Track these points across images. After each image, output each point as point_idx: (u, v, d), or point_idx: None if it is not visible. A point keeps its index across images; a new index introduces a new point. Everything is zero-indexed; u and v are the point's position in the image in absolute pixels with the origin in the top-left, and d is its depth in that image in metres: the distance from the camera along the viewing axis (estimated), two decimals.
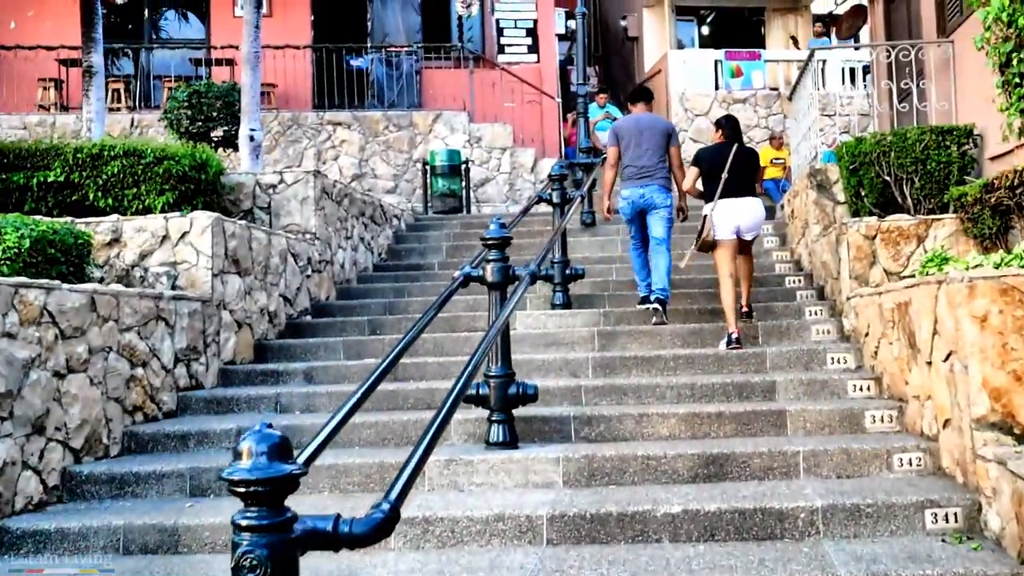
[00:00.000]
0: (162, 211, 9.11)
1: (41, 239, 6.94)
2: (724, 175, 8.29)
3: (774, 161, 16.38)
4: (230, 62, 17.24)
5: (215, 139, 12.28)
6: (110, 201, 9.21)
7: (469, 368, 4.43)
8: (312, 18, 18.42)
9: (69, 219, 8.20)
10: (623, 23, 20.14)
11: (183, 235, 8.01)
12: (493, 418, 6.26)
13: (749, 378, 7.13)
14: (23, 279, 5.94)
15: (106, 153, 9.23)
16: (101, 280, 8.00)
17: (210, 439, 6.74)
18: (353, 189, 11.60)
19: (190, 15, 18.83)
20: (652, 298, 8.74)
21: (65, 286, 6.25)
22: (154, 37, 18.57)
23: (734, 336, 7.93)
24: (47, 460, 5.97)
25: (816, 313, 8.73)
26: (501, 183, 16.79)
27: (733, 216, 8.29)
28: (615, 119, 17.69)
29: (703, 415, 6.42)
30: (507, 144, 16.93)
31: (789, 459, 5.76)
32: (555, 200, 9.66)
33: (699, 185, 8.64)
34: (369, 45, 18.14)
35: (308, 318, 9.81)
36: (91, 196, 9.21)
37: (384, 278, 11.42)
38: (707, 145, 9.12)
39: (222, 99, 12.24)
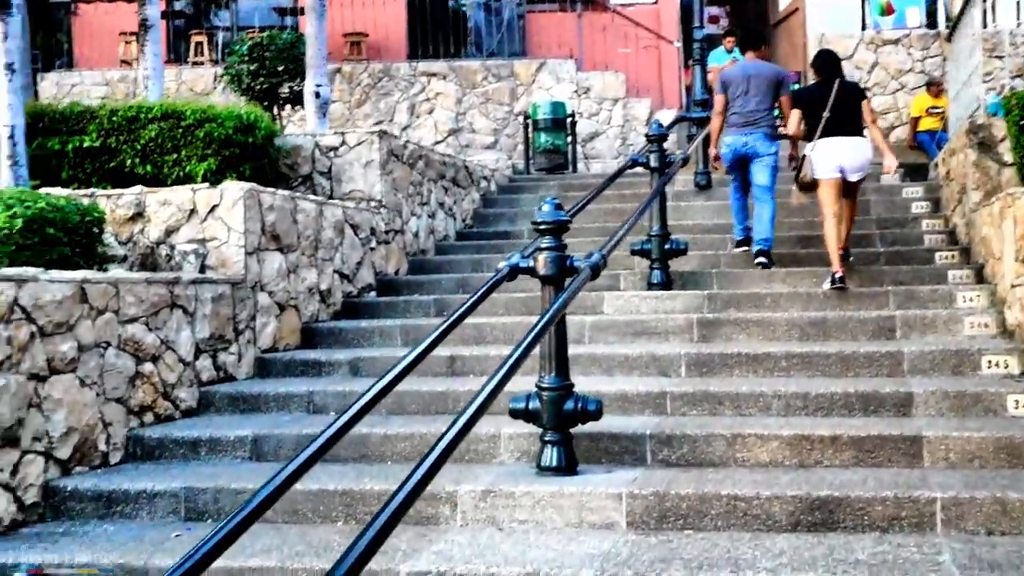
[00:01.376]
0: (203, 179, 8.13)
1: (37, 217, 5.97)
2: (825, 113, 7.85)
3: (931, 111, 14.53)
4: None
5: (282, 96, 11.20)
6: (149, 168, 8.28)
7: (480, 399, 3.29)
8: None
9: (90, 191, 7.26)
10: None
11: (212, 209, 6.96)
12: (546, 438, 5.03)
13: (879, 386, 5.72)
14: None
15: (143, 116, 8.28)
16: (124, 259, 7.03)
17: (222, 447, 5.73)
18: (430, 149, 10.43)
19: None
20: (754, 249, 8.55)
21: (45, 276, 5.26)
22: None
23: (838, 276, 7.49)
24: (23, 475, 5.05)
25: (971, 300, 7.16)
26: (612, 137, 15.40)
27: (834, 155, 7.80)
28: None
29: (814, 439, 5.07)
30: (619, 94, 15.50)
31: (922, 507, 4.39)
32: (652, 164, 8.30)
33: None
34: None
35: (371, 296, 8.72)
36: (128, 162, 8.28)
37: (465, 248, 10.25)
38: (805, 85, 8.59)
39: (287, 52, 11.10)
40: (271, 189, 7.37)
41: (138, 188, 7.14)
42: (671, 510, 4.58)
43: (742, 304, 7.59)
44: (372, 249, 8.81)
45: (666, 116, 13.81)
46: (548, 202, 5.23)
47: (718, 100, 9.10)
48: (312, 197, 7.94)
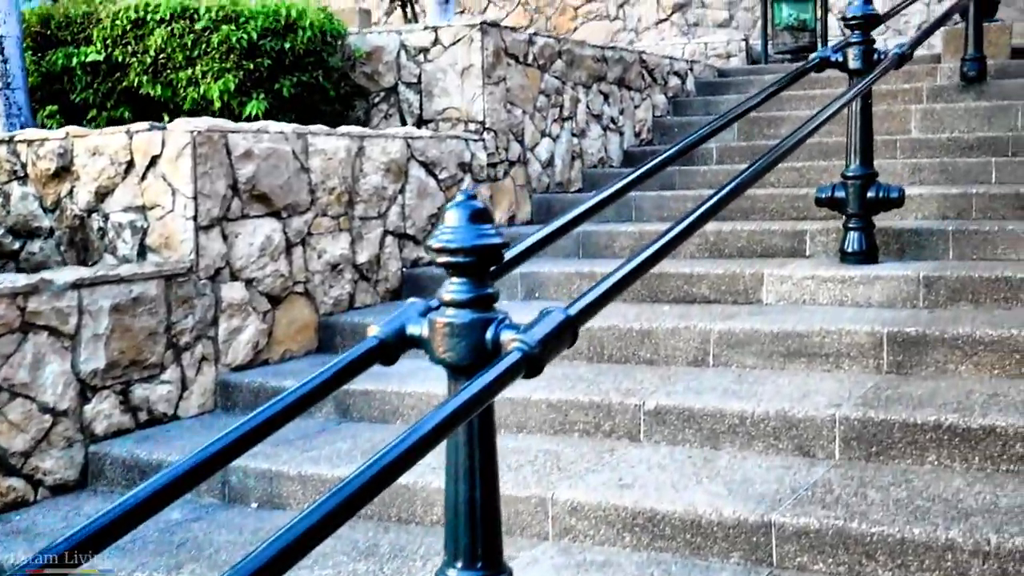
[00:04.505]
0: (221, 102, 5.99)
1: None
2: None
3: None
4: None
5: None
6: (159, 89, 6.21)
7: None
8: None
9: (9, 135, 5.26)
10: None
11: (153, 161, 4.78)
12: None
13: None
14: None
15: (149, 18, 6.17)
16: (51, 233, 5.02)
17: None
18: (577, 42, 7.72)
19: None
20: None
21: None
22: None
23: None
24: None
25: None
26: (878, 7, 11.94)
27: None
28: None
29: None
30: None
31: None
32: (851, 63, 5.34)
33: None
34: None
35: None
36: (135, 81, 6.24)
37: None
38: None
39: None
40: (256, 125, 5.08)
41: (64, 131, 5.05)
42: None
43: (982, 296, 4.69)
44: None
45: None
46: None
47: None
48: (344, 129, 5.59)
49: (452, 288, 2.51)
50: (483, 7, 13.29)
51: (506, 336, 2.41)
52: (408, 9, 8.74)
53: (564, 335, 2.41)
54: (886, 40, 11.32)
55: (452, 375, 2.52)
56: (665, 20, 12.65)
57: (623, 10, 12.79)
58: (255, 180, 4.95)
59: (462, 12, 13.33)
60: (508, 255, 3.04)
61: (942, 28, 7.85)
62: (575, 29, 12.95)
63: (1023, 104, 7.26)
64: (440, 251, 2.50)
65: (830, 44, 6.36)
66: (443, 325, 2.48)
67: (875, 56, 5.28)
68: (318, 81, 6.33)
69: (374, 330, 2.57)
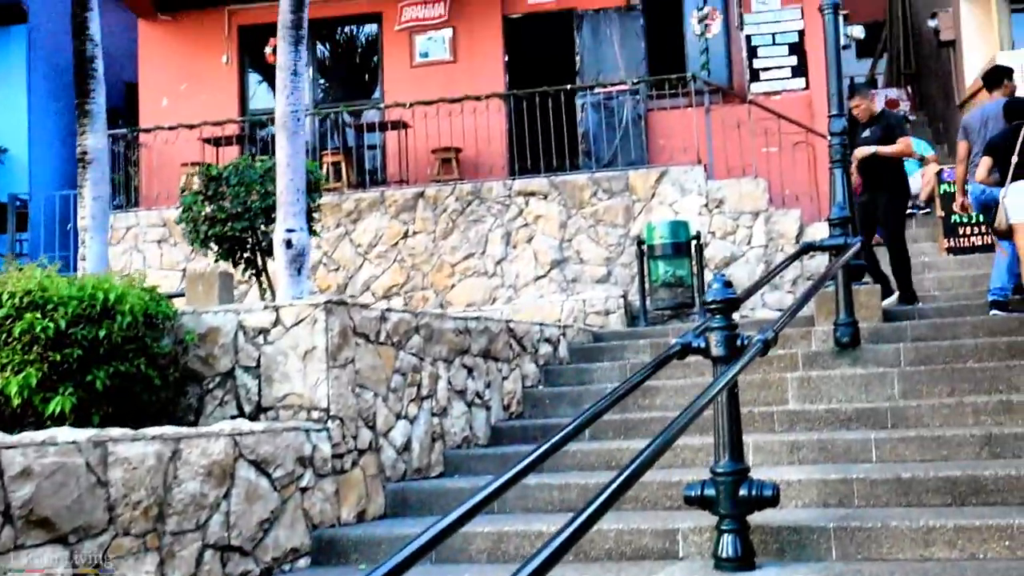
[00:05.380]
0: (22, 398, 5.33)
1: None
2: (1014, 158, 7.79)
3: None
4: (398, 125, 13.60)
5: (261, 246, 8.27)
6: None
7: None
8: (506, 59, 14.47)
9: None
10: (932, 23, 14.56)
11: None
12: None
13: None
14: None
15: None
16: None
17: None
18: (438, 315, 7.29)
19: (357, 65, 15.53)
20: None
21: None
22: (320, 97, 15.27)
23: None
24: None
25: None
26: (753, 262, 11.90)
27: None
28: (923, 159, 12.61)
29: None
30: (760, 206, 12.00)
31: None
32: (714, 350, 4.88)
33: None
34: (578, 85, 13.82)
35: (297, 569, 5.61)
36: None
37: (495, 458, 6.97)
38: (999, 131, 8.31)
39: (259, 185, 8.11)
40: (42, 435, 4.42)
41: None
42: None
43: None
44: (304, 490, 5.74)
45: (821, 231, 10.67)
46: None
47: (960, 147, 8.94)
48: (154, 431, 4.95)
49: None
50: (359, 265, 12.98)
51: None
52: (263, 278, 8.27)
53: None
54: (763, 295, 11.24)
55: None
56: (544, 276, 12.43)
57: (501, 267, 12.56)
58: (34, 503, 4.25)
59: (337, 269, 13.00)
60: None
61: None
62: (453, 286, 12.66)
63: (898, 371, 6.99)
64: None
65: (693, 328, 5.89)
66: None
67: (738, 341, 4.85)
68: (140, 370, 5.71)
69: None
